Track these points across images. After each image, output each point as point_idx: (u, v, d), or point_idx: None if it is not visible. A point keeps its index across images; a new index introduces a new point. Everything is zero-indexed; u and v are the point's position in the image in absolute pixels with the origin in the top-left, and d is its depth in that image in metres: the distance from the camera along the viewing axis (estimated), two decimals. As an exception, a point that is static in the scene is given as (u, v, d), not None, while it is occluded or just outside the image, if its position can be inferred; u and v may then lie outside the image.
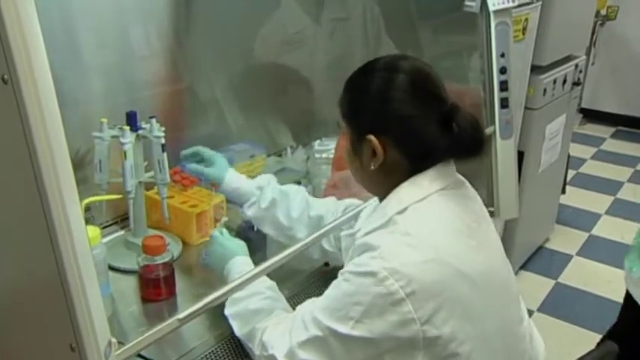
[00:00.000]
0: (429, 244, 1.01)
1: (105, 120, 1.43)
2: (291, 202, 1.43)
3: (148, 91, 1.79)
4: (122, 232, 1.64)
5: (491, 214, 1.93)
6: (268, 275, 1.21)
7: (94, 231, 1.25)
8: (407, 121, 1.04)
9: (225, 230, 1.38)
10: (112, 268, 1.45)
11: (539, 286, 3.05)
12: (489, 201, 1.93)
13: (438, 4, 2.06)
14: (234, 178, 1.49)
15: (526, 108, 2.68)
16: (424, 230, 1.02)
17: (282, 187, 1.48)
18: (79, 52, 1.60)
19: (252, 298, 1.18)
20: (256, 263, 1.23)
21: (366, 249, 1.01)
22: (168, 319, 0.92)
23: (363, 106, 1.08)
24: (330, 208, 1.43)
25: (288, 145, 2.12)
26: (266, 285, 1.22)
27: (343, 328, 0.99)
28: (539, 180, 2.93)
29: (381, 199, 1.12)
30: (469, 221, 1.07)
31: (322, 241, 1.40)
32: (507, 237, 2.90)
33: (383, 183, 1.10)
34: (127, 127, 1.41)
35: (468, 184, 1.16)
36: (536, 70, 2.63)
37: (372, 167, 1.07)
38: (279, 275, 1.25)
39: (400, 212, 1.04)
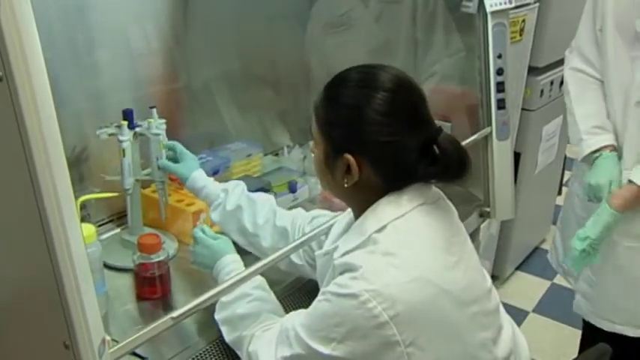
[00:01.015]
0: (412, 263, 0.98)
1: (125, 123, 1.42)
2: (257, 209, 1.39)
3: (145, 90, 1.79)
4: (118, 230, 1.64)
5: (488, 214, 1.94)
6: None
7: (89, 229, 1.25)
8: (385, 146, 0.99)
9: (207, 228, 1.36)
10: (107, 266, 1.45)
11: (535, 286, 3.06)
12: (486, 202, 1.93)
13: (436, 5, 2.05)
14: (199, 177, 1.45)
15: (523, 109, 2.69)
16: (405, 249, 0.99)
17: (250, 194, 1.43)
18: (76, 51, 1.60)
19: (239, 301, 1.16)
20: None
21: (347, 269, 0.98)
22: (163, 317, 0.92)
23: (341, 122, 1.02)
24: (297, 219, 1.38)
25: (285, 144, 2.12)
26: (254, 284, 1.19)
27: (325, 349, 0.97)
28: (536, 181, 2.94)
29: (356, 216, 1.08)
30: (448, 236, 1.05)
31: (291, 255, 1.33)
32: (503, 238, 2.91)
33: (356, 199, 1.07)
34: (125, 123, 1.41)
35: (444, 197, 1.12)
36: (533, 71, 2.64)
37: (346, 185, 1.03)
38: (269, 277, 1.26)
39: (379, 230, 1.00)
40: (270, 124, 2.20)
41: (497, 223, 2.83)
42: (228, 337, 1.16)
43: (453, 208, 1.13)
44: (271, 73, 2.16)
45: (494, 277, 3.05)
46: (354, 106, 1.00)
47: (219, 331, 1.19)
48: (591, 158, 1.68)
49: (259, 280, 1.22)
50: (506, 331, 1.13)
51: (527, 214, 2.89)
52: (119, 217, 1.66)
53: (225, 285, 1.05)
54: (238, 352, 1.15)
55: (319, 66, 2.12)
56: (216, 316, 1.19)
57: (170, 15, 1.84)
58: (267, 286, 1.22)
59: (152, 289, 1.37)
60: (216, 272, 1.26)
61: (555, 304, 2.88)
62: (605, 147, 1.65)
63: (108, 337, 0.81)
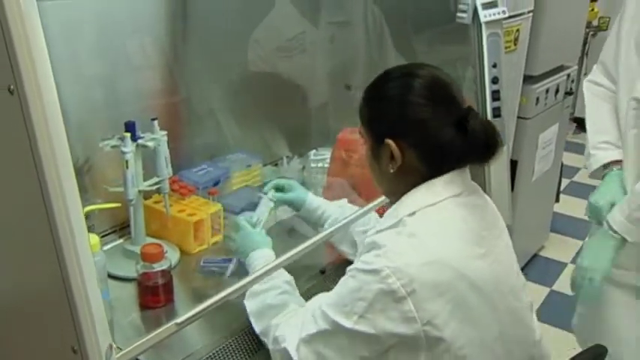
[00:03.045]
0: (433, 247, 1.04)
1: (128, 134, 1.45)
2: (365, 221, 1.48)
3: (146, 103, 1.81)
4: (121, 241, 1.66)
5: (485, 221, 1.96)
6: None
7: (93, 239, 1.27)
8: (423, 124, 1.07)
9: (253, 219, 1.48)
10: (111, 276, 1.47)
11: (534, 293, 3.07)
12: (483, 209, 1.95)
13: (432, 15, 2.09)
14: (313, 200, 1.57)
15: (519, 117, 2.72)
16: (430, 234, 1.06)
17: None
18: (79, 64, 1.62)
19: (269, 292, 1.23)
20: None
21: (373, 247, 1.05)
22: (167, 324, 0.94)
23: (381, 111, 1.12)
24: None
25: (284, 155, 2.15)
26: (284, 279, 1.27)
27: (348, 323, 1.03)
28: (533, 189, 2.97)
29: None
30: (479, 229, 1.10)
31: (353, 234, 1.47)
32: (502, 245, 2.93)
33: (398, 186, 1.13)
34: (128, 135, 1.43)
35: (482, 192, 1.19)
36: (528, 80, 2.67)
37: (391, 170, 1.10)
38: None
39: (410, 214, 1.07)
40: (270, 134, 2.23)
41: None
42: (256, 326, 1.22)
43: (491, 205, 1.20)
44: (270, 84, 2.19)
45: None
46: (393, 93, 1.10)
47: (223, 337, 1.21)
48: (601, 174, 1.66)
49: (289, 277, 1.29)
50: (531, 334, 1.19)
51: (525, 221, 2.92)
52: (122, 229, 1.68)
53: (229, 290, 1.07)
54: (265, 340, 1.19)
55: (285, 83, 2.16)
56: (246, 302, 1.25)
57: (170, 29, 1.87)
58: (294, 285, 1.28)
59: (155, 297, 1.39)
60: (250, 261, 1.35)
61: (555, 311, 2.90)
62: (614, 162, 1.62)
63: (114, 344, 0.83)
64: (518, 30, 2.36)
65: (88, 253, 0.83)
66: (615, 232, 1.50)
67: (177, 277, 1.49)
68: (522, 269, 3.14)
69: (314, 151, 2.02)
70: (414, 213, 1.07)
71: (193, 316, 0.97)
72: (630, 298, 1.62)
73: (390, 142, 1.08)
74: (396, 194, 1.14)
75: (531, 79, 2.68)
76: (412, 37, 2.18)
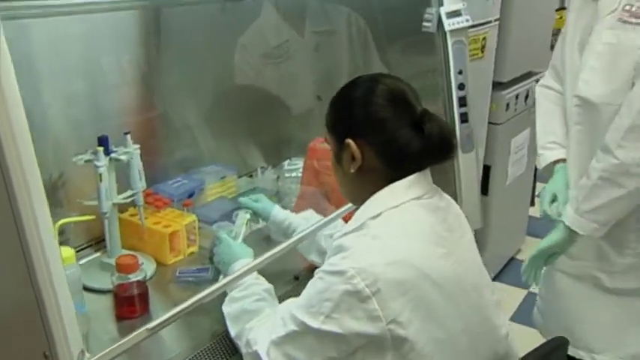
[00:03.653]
0: (396, 247, 1.07)
1: (101, 149, 1.48)
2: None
3: (122, 118, 1.84)
4: (98, 254, 1.68)
5: (457, 224, 2.01)
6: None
7: (68, 252, 1.29)
8: (382, 123, 1.12)
9: (232, 233, 1.51)
10: (87, 289, 1.49)
11: (512, 296, 3.12)
12: (454, 212, 2.00)
13: (412, 24, 2.14)
14: (279, 212, 1.62)
15: (490, 123, 2.78)
16: (393, 235, 1.09)
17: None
18: (56, 81, 1.65)
19: (247, 298, 1.26)
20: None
21: (339, 250, 1.09)
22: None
23: (343, 113, 1.18)
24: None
25: (259, 165, 2.18)
26: (263, 287, 1.30)
27: (315, 323, 1.06)
28: (507, 193, 3.02)
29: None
30: (440, 230, 1.14)
31: (320, 240, 1.51)
32: (478, 249, 2.97)
33: (361, 189, 1.17)
34: (101, 149, 1.46)
35: (444, 195, 1.23)
36: (498, 86, 2.73)
37: (352, 170, 1.15)
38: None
39: (374, 217, 1.11)
40: (245, 146, 2.26)
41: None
42: (232, 329, 1.25)
43: (454, 207, 1.24)
44: (246, 96, 2.23)
45: (471, 289, 3.11)
46: (353, 97, 1.16)
47: (200, 343, 1.24)
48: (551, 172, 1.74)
49: (269, 286, 1.32)
50: (497, 331, 1.22)
51: (500, 225, 2.97)
52: (98, 242, 1.70)
53: (196, 298, 1.10)
54: (239, 343, 1.22)
55: (261, 94, 2.19)
56: (223, 307, 1.28)
57: (144, 44, 1.90)
58: (274, 294, 1.31)
59: (131, 308, 1.41)
60: (231, 271, 1.36)
61: (532, 313, 2.94)
62: (561, 160, 1.70)
63: (85, 350, 0.85)
64: (484, 38, 2.42)
65: (59, 264, 0.86)
66: (568, 227, 1.56)
67: (154, 288, 1.51)
68: (500, 272, 3.24)
69: (288, 161, 2.05)
70: (377, 216, 1.11)
71: (165, 321, 0.99)
72: (588, 288, 1.68)
73: (349, 141, 1.13)
74: (359, 198, 1.18)
75: (501, 85, 2.74)
76: (394, 47, 2.22)
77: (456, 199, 1.97)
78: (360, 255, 1.06)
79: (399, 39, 2.19)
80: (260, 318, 1.21)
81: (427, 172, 1.18)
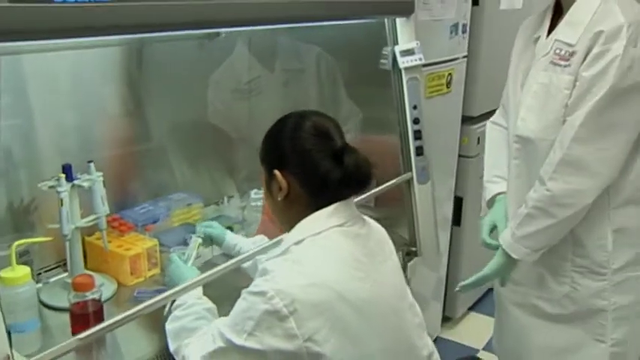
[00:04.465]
0: (315, 271, 1.16)
1: (63, 175, 1.58)
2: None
3: (98, 147, 1.94)
4: (65, 275, 1.77)
5: (415, 253, 2.09)
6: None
7: (24, 270, 1.38)
8: (305, 154, 1.22)
9: (185, 255, 1.61)
10: (50, 307, 1.60)
11: (487, 326, 3.15)
12: (412, 242, 2.08)
13: (368, 62, 2.25)
14: (231, 238, 1.74)
15: (462, 156, 2.87)
16: (313, 260, 1.18)
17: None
18: (36, 112, 1.76)
19: (188, 317, 1.35)
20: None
21: (264, 273, 1.17)
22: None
23: (272, 146, 1.29)
24: None
25: (231, 194, 2.28)
26: (205, 306, 1.38)
27: (239, 340, 1.15)
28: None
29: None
30: (359, 255, 1.23)
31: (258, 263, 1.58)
32: (452, 281, 3.04)
33: (289, 216, 1.26)
34: (63, 176, 1.57)
35: (368, 222, 1.32)
36: (468, 120, 2.83)
37: (279, 199, 1.25)
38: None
39: (297, 243, 1.20)
40: (218, 175, 2.36)
41: (443, 267, 2.97)
42: (171, 346, 1.34)
43: (377, 234, 1.33)
44: (219, 127, 2.33)
45: (446, 319, 3.17)
46: (282, 130, 1.26)
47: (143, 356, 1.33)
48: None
49: (211, 305, 1.40)
50: (417, 351, 1.31)
51: (474, 256, 3.03)
52: (65, 264, 1.79)
53: (128, 312, 1.19)
54: (176, 358, 1.31)
55: (232, 127, 2.30)
56: (166, 325, 1.37)
57: (125, 76, 2.02)
58: (216, 313, 1.40)
59: (86, 326, 1.47)
60: None
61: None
62: (500, 193, 1.80)
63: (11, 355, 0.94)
64: (450, 74, 2.53)
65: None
66: (505, 250, 1.65)
67: (113, 307, 1.61)
68: (477, 303, 3.29)
69: (255, 190, 2.15)
70: (300, 242, 1.20)
71: (94, 332, 1.08)
72: (530, 315, 1.77)
73: (276, 172, 1.23)
74: (288, 224, 1.27)
75: (471, 119, 2.84)
76: (361, 82, 2.33)
77: (412, 229, 2.08)
78: (280, 277, 1.14)
79: (366, 75, 2.29)
80: (198, 335, 1.30)
81: (350, 201, 1.27)
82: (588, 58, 1.49)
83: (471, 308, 3.30)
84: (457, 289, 1.81)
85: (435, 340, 3.07)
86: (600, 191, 1.53)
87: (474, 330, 3.12)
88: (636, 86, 1.47)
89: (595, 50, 1.48)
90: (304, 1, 1.55)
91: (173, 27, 1.25)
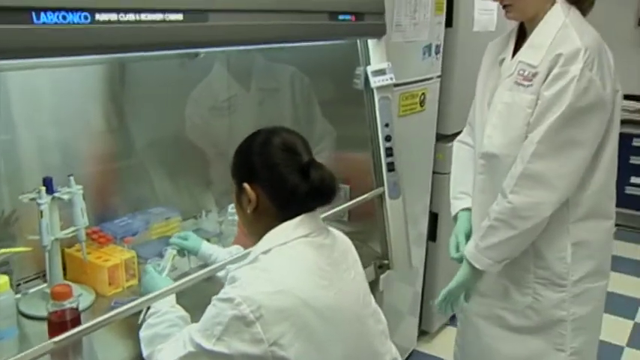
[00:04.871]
0: (281, 279, 1.22)
1: (43, 188, 1.64)
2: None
3: (79, 161, 2.00)
4: (45, 285, 1.82)
5: (387, 266, 2.16)
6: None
7: (2, 278, 1.44)
8: (272, 169, 1.28)
9: (160, 267, 1.67)
10: (28, 316, 1.65)
11: (462, 339, 3.23)
12: (384, 255, 2.15)
13: (342, 81, 2.33)
14: (206, 248, 1.81)
15: (436, 172, 2.94)
16: (279, 268, 1.24)
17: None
18: (20, 127, 1.82)
19: (161, 324, 1.41)
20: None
21: (232, 280, 1.24)
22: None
23: (242, 160, 1.34)
24: None
25: (209, 208, 2.34)
26: (178, 314, 1.44)
27: (208, 345, 1.20)
28: (458, 240, 3.15)
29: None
30: (323, 265, 1.29)
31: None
32: (428, 295, 3.11)
33: (258, 227, 1.32)
34: (43, 189, 1.62)
35: (333, 233, 1.38)
36: (443, 138, 2.91)
37: (249, 211, 1.31)
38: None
39: (265, 252, 1.27)
40: (198, 190, 2.42)
41: (419, 282, 3.03)
42: (144, 352, 1.39)
43: (342, 245, 1.39)
44: (198, 144, 2.40)
45: (423, 333, 3.23)
46: (252, 145, 1.32)
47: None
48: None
49: (185, 314, 1.46)
50: (379, 357, 1.37)
51: (450, 270, 3.08)
52: (44, 275, 1.84)
53: (101, 318, 1.25)
54: None
55: (209, 143, 2.37)
56: (140, 333, 1.43)
57: (109, 94, 2.09)
58: (189, 321, 1.45)
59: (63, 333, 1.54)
60: (152, 300, 1.50)
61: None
62: (465, 209, 1.88)
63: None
64: (423, 93, 2.61)
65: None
66: (469, 261, 1.73)
67: (91, 317, 1.65)
68: (453, 316, 3.35)
69: (232, 204, 2.21)
70: (268, 251, 1.26)
71: (72, 334, 1.13)
72: (495, 327, 1.83)
73: (245, 185, 1.30)
74: (257, 235, 1.33)
75: (445, 137, 2.92)
76: (335, 101, 2.41)
77: (385, 242, 2.15)
78: (247, 285, 1.20)
79: (340, 94, 2.37)
80: (170, 341, 1.35)
81: (315, 213, 1.33)
82: (549, 79, 1.58)
83: (447, 322, 3.35)
84: (434, 306, 1.87)
85: (412, 354, 3.13)
86: (559, 204, 1.61)
87: (451, 344, 3.13)
88: (592, 106, 1.56)
89: (555, 71, 1.57)
90: (280, 23, 1.62)
91: (150, 48, 1.31)
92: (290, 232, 1.29)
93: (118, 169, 2.16)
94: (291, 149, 1.30)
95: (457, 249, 1.85)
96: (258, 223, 1.32)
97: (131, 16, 1.18)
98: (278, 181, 1.28)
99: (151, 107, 2.17)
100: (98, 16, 1.12)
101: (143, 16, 1.21)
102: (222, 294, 1.22)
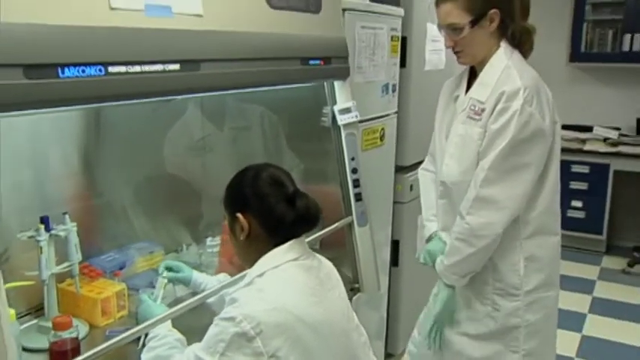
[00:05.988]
0: (276, 297, 1.37)
1: (42, 226, 1.75)
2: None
3: (64, 202, 2.10)
4: (36, 321, 1.90)
5: (358, 289, 2.32)
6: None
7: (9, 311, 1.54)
8: (263, 199, 1.44)
9: (153, 295, 1.78)
10: (26, 349, 1.73)
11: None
12: (355, 279, 2.31)
13: (309, 119, 2.50)
14: (197, 277, 1.92)
15: (397, 202, 3.14)
16: (274, 288, 1.39)
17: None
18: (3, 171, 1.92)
19: (162, 347, 1.52)
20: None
21: (232, 302, 1.37)
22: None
23: (234, 193, 1.49)
24: None
25: (186, 242, 2.46)
26: (176, 337, 1.56)
27: None
28: (418, 264, 3.33)
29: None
30: (313, 284, 1.45)
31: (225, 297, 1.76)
32: (393, 318, 3.27)
33: (251, 253, 1.47)
34: (42, 226, 1.74)
35: (317, 257, 1.54)
36: (401, 169, 3.12)
37: (242, 238, 1.46)
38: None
39: (259, 275, 1.41)
40: (174, 225, 2.54)
41: (384, 304, 3.20)
42: None
43: (326, 267, 1.56)
44: (174, 181, 2.53)
45: (388, 355, 3.38)
46: (238, 180, 1.48)
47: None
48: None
49: (181, 337, 1.58)
50: None
51: (413, 294, 3.27)
52: (36, 310, 1.93)
53: (99, 348, 1.40)
54: None
55: (189, 182, 2.52)
56: (142, 356, 1.54)
57: (86, 136, 2.20)
58: (185, 344, 1.56)
59: (65, 362, 1.65)
60: (150, 328, 1.61)
61: None
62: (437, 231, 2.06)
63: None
64: (383, 128, 2.82)
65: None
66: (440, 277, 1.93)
67: (87, 347, 1.75)
68: (417, 339, 3.51)
69: (210, 238, 2.35)
70: (262, 274, 1.42)
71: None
72: (457, 336, 2.02)
73: (239, 215, 1.45)
74: (250, 261, 1.48)
75: (404, 168, 3.13)
76: (303, 137, 2.58)
77: (355, 267, 2.31)
78: (246, 304, 1.34)
79: (306, 130, 2.54)
80: None
81: (302, 238, 1.50)
82: (494, 114, 1.80)
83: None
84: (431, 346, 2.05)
85: (379, 376, 3.27)
86: (509, 223, 1.82)
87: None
88: (533, 136, 1.78)
89: (499, 107, 1.79)
90: (261, 70, 1.78)
91: (152, 95, 1.45)
92: (281, 256, 1.44)
93: (100, 208, 2.26)
94: (278, 182, 1.47)
95: (425, 260, 2.03)
96: (250, 249, 1.47)
97: (137, 68, 1.34)
98: (268, 209, 1.44)
99: (127, 149, 2.28)
100: (111, 69, 1.27)
101: (146, 68, 1.36)
102: (223, 314, 1.36)
